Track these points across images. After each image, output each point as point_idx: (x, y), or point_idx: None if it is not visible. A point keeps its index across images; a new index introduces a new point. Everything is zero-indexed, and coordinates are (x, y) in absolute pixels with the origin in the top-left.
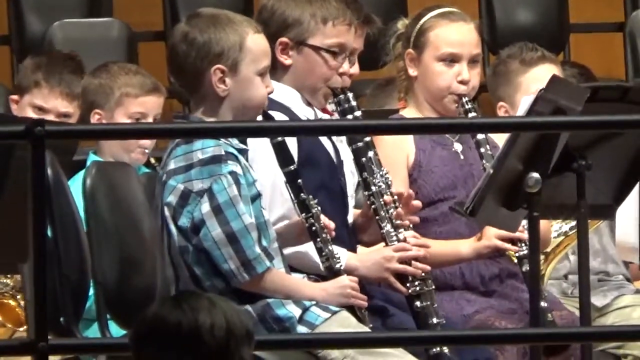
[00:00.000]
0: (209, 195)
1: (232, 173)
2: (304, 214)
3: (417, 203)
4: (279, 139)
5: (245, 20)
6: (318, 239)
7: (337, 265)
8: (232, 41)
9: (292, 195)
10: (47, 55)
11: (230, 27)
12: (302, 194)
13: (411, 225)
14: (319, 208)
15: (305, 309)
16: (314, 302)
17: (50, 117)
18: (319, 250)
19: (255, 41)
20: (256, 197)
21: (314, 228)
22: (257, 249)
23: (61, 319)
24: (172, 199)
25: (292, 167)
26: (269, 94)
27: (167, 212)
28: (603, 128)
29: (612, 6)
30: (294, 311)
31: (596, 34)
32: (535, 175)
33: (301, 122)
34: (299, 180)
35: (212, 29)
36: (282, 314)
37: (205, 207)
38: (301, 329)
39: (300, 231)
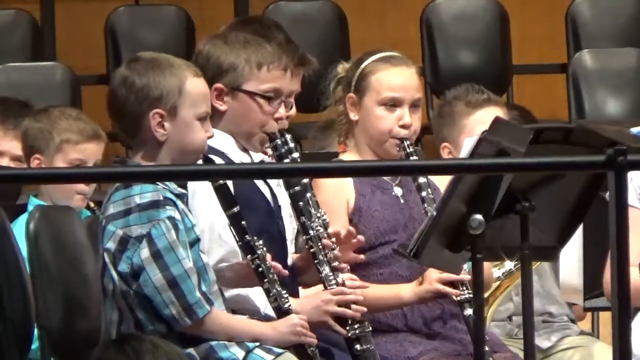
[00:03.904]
0: (148, 240)
1: (171, 218)
2: (249, 256)
3: (360, 238)
4: (221, 182)
5: (185, 64)
6: (265, 280)
7: (286, 305)
8: (171, 85)
9: (236, 237)
10: (0, 100)
11: (169, 71)
12: (246, 236)
13: (348, 268)
14: (264, 249)
15: (248, 351)
16: (257, 344)
17: (5, 160)
18: (267, 291)
19: (195, 85)
20: (195, 242)
21: (260, 269)
22: (198, 294)
23: None
24: (111, 245)
25: (235, 210)
26: (209, 138)
27: (106, 258)
28: (546, 170)
29: (555, 47)
30: (238, 354)
31: (539, 75)
32: (479, 217)
33: (240, 165)
34: (243, 222)
35: (151, 72)
36: (225, 356)
37: (145, 252)
38: None
39: (245, 273)
